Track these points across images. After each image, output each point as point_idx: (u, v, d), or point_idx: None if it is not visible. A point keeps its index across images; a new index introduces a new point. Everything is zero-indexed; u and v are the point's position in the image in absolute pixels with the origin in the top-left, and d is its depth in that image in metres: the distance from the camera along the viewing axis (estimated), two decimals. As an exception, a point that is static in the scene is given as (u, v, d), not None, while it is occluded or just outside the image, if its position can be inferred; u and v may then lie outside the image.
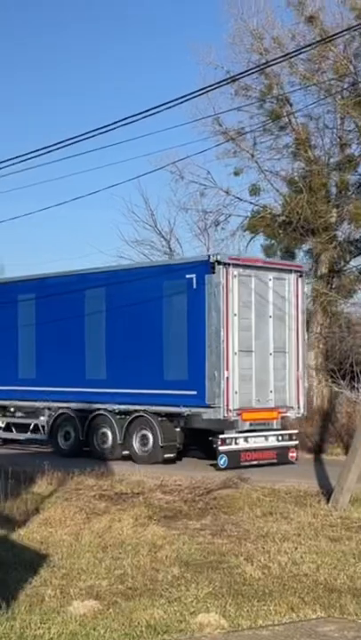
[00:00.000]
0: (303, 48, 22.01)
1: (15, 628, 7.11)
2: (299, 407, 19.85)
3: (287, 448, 19.45)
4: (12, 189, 27.32)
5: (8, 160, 18.46)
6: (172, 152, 26.01)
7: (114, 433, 19.79)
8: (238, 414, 18.63)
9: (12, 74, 64.61)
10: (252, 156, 29.76)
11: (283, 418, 19.65)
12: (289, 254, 30.02)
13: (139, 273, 20.71)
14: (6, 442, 22.40)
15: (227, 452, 18.31)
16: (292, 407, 19.75)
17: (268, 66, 23.63)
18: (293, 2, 28.51)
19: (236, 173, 30.39)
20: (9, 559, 9.89)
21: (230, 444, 18.50)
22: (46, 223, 61.25)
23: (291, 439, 19.52)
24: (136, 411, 19.57)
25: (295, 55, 23.25)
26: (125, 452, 19.82)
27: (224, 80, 19.54)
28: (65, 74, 64.82)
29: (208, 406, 18.36)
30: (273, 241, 30.31)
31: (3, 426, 22.61)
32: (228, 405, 18.32)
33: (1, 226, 57.54)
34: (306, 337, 20.75)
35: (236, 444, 18.57)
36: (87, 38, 64.42)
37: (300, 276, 20.30)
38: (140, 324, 19.58)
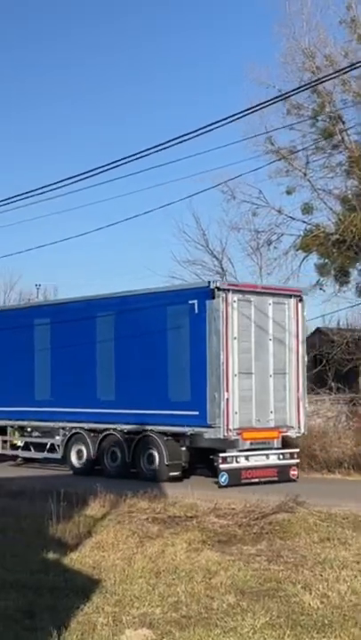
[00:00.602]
0: (356, 65, 21.81)
1: None
2: (299, 427, 20.38)
3: (288, 466, 19.95)
4: (63, 210, 27.55)
5: (59, 182, 18.54)
6: (224, 171, 26.02)
7: (123, 452, 20.51)
8: (239, 434, 19.25)
9: (66, 98, 65.55)
10: (305, 174, 29.62)
11: (284, 437, 19.95)
12: (343, 273, 29.66)
13: (146, 299, 21.16)
14: (27, 460, 23.28)
15: (227, 470, 18.93)
16: (292, 427, 20.22)
17: (321, 82, 23.47)
18: (346, 20, 28.55)
19: (288, 192, 30.33)
20: (60, 584, 9.63)
21: (231, 462, 19.07)
22: (99, 244, 61.80)
23: (292, 457, 20.07)
24: (143, 430, 20.20)
25: (347, 72, 23.14)
26: (133, 470, 20.26)
27: (276, 97, 19.40)
28: (114, 97, 65.63)
29: (209, 426, 18.99)
30: (326, 260, 30.06)
31: (22, 445, 23.46)
32: (228, 425, 18.95)
33: (55, 247, 58.27)
34: (306, 359, 21.01)
35: (236, 462, 19.15)
36: (137, 60, 65.13)
37: (300, 300, 20.83)
38: (147, 347, 20.28)
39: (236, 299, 19.42)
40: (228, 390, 18.93)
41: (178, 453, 19.77)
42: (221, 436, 18.93)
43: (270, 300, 20.26)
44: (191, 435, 19.58)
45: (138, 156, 16.62)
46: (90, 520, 13.84)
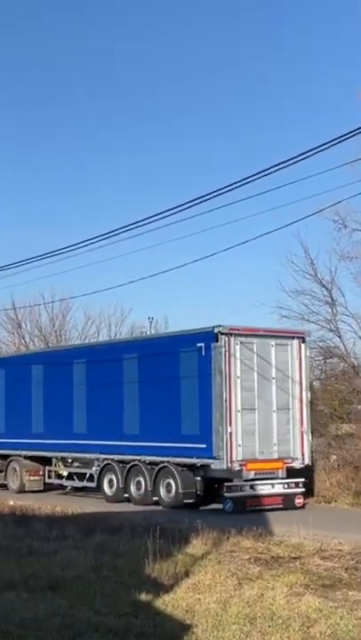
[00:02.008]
0: None
1: None
2: (303, 458, 21.51)
3: (294, 495, 21.00)
4: (169, 241, 27.47)
5: (165, 212, 18.38)
6: (333, 195, 25.13)
7: (145, 481, 22.07)
8: (243, 465, 20.54)
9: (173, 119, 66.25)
10: None
11: (288, 468, 21.07)
12: None
13: (162, 342, 23.74)
14: (75, 490, 24.82)
15: (232, 498, 20.42)
16: (296, 458, 21.38)
17: None
18: None
19: None
20: (149, 630, 8.93)
21: (236, 490, 20.47)
22: (205, 275, 61.78)
23: (297, 487, 21.09)
24: (162, 462, 21.74)
25: None
26: (155, 498, 21.72)
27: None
28: (221, 118, 65.82)
29: (215, 458, 20.36)
30: None
31: (66, 474, 25.25)
32: (231, 457, 20.35)
33: (164, 281, 58.69)
34: (309, 396, 22.13)
35: (241, 490, 20.51)
36: (243, 84, 65.23)
37: (303, 341, 22.06)
38: (164, 385, 21.80)
39: (238, 342, 20.85)
40: (231, 425, 20.36)
41: (192, 482, 21.13)
42: (225, 467, 20.26)
43: (273, 341, 21.59)
44: (201, 465, 20.90)
45: (247, 181, 16.32)
46: (189, 559, 13.20)
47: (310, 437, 22.09)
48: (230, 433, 20.33)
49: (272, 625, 9.28)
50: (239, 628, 9.17)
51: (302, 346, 21.99)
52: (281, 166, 15.31)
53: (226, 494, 20.44)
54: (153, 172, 66.63)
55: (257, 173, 15.86)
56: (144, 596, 10.55)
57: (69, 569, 11.96)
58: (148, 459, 22.16)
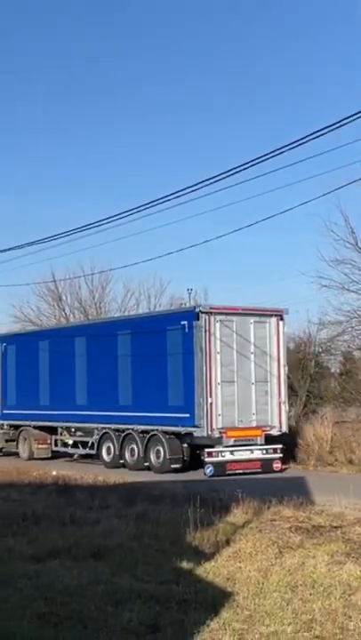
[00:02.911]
0: None
1: None
2: (281, 426, 22.90)
3: (272, 460, 22.44)
4: (206, 211, 27.37)
5: (203, 181, 18.26)
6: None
7: (138, 448, 23.51)
8: (222, 432, 21.96)
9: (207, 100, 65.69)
10: None
11: (267, 435, 22.50)
12: None
13: (152, 320, 25.38)
14: (82, 457, 26.21)
15: (213, 463, 21.82)
16: (274, 426, 22.75)
17: None
18: None
19: None
20: (190, 597, 8.78)
21: (216, 456, 21.90)
22: (245, 245, 61.39)
23: (275, 452, 22.52)
24: (152, 430, 23.10)
25: None
26: (147, 464, 23.17)
27: None
28: (262, 90, 65.06)
29: (197, 426, 21.76)
30: None
31: (71, 443, 26.78)
32: (211, 425, 21.81)
33: (204, 251, 58.41)
34: (286, 369, 23.46)
35: (222, 456, 21.94)
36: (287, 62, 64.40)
37: (281, 319, 23.28)
38: (153, 360, 23.22)
39: (218, 320, 22.22)
40: (211, 396, 21.79)
41: (178, 449, 22.61)
42: (206, 435, 21.73)
43: (251, 319, 22.89)
44: (186, 433, 22.36)
45: (285, 149, 16.10)
46: (230, 527, 12.88)
47: (288, 408, 23.58)
48: (210, 404, 21.77)
49: (313, 593, 9.03)
50: (280, 595, 8.89)
51: (280, 323, 23.20)
52: (317, 135, 15.14)
53: (206, 459, 21.74)
54: (194, 145, 66.27)
55: (294, 142, 15.67)
56: (185, 564, 10.35)
57: (111, 537, 11.88)
58: (140, 428, 23.50)
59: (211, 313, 22.30)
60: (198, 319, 21.98)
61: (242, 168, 15.94)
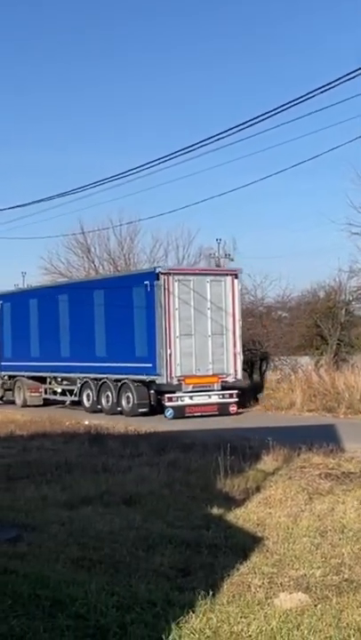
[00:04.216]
0: None
1: (212, 622, 6.06)
2: (236, 374, 24.97)
3: (228, 404, 24.45)
4: (233, 160, 27.07)
5: (231, 129, 18.02)
6: None
7: (112, 395, 25.44)
8: (181, 380, 23.91)
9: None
10: None
11: (223, 382, 24.74)
12: None
13: (120, 280, 28.03)
14: (73, 403, 28.03)
15: (173, 407, 23.76)
16: (230, 374, 24.79)
17: None
18: None
19: None
20: (221, 542, 8.60)
21: (176, 400, 23.84)
22: (272, 195, 60.75)
23: (231, 397, 24.52)
24: (123, 379, 25.05)
25: None
26: (119, 409, 25.07)
27: None
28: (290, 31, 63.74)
29: (158, 374, 23.69)
30: None
31: (60, 391, 28.82)
32: (170, 373, 23.76)
33: (230, 201, 57.88)
34: (240, 323, 25.13)
35: (181, 400, 23.92)
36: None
37: (236, 277, 25.21)
38: (122, 316, 25.21)
39: (177, 280, 24.14)
40: (170, 347, 23.79)
41: (145, 395, 24.56)
42: (165, 382, 23.70)
43: (208, 278, 24.90)
44: (150, 381, 24.17)
45: (309, 96, 15.81)
46: (260, 474, 12.60)
47: (242, 357, 25.37)
48: (170, 354, 23.74)
49: (342, 537, 8.76)
50: (310, 540, 8.63)
51: (235, 282, 24.99)
52: (344, 79, 14.84)
53: (167, 404, 23.67)
54: (218, 91, 65.43)
55: (318, 89, 15.36)
56: (216, 510, 10.07)
57: (143, 485, 11.66)
58: (113, 377, 25.40)
59: (170, 274, 24.23)
60: (158, 279, 23.76)
61: (270, 114, 15.66)
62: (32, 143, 61.31)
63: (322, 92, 13.66)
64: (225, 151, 18.04)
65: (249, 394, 27.01)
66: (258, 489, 11.58)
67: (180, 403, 23.89)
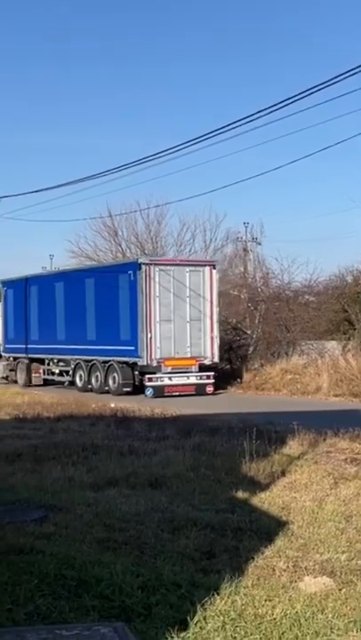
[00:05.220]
0: None
1: (237, 604, 5.99)
2: (213, 357, 26.87)
3: (205, 385, 26.45)
4: (261, 143, 26.91)
5: (258, 112, 17.91)
6: None
7: (101, 375, 27.24)
8: (161, 362, 25.72)
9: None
10: None
11: (201, 364, 26.48)
12: None
13: (108, 269, 29.39)
14: (70, 383, 29.66)
15: (153, 387, 25.68)
16: (207, 357, 26.70)
17: None
18: None
19: None
20: (246, 525, 8.41)
21: (156, 381, 25.76)
22: (301, 178, 60.37)
23: (208, 379, 26.49)
24: (110, 360, 26.78)
25: None
26: (106, 388, 26.75)
27: None
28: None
29: (140, 357, 25.54)
30: None
31: (57, 372, 30.50)
32: (150, 356, 25.65)
33: (260, 183, 57.62)
34: (217, 309, 26.95)
35: (160, 381, 25.82)
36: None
37: (213, 268, 27.34)
38: (109, 302, 27.06)
39: (158, 269, 25.98)
40: (150, 331, 25.71)
41: (130, 376, 26.25)
42: (146, 364, 25.43)
43: (187, 268, 26.75)
44: (133, 363, 25.78)
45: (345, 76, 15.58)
46: (285, 459, 12.29)
47: (218, 342, 26.96)
48: (150, 338, 25.57)
49: None
50: (335, 524, 8.32)
51: (213, 272, 26.95)
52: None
53: (147, 383, 25.35)
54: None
55: (348, 71, 15.17)
56: (241, 494, 9.73)
57: (169, 467, 11.23)
58: (101, 359, 26.99)
59: (151, 264, 26.11)
60: (140, 269, 25.49)
61: (298, 97, 15.55)
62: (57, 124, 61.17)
63: (352, 75, 13.48)
64: (253, 134, 17.87)
65: (229, 376, 29.03)
66: (283, 473, 11.36)
67: (159, 383, 25.77)
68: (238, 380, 28.49)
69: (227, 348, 30.07)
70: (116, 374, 26.72)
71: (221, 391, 27.21)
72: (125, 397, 24.71)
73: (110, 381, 26.96)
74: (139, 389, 25.81)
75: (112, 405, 20.86)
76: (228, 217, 51.56)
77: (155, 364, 25.66)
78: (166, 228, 41.27)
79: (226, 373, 28.95)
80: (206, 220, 40.87)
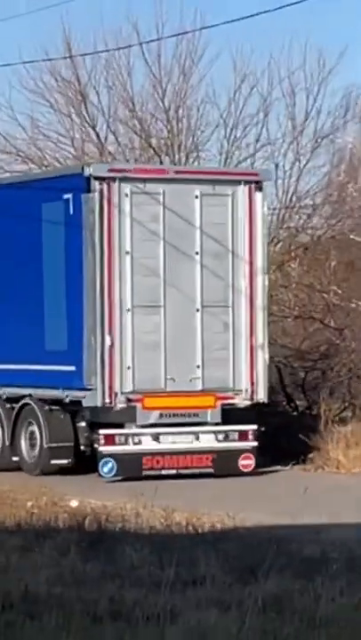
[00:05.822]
0: None
1: None
2: (255, 391, 12.15)
3: (237, 452, 12.24)
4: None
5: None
6: None
7: (4, 430, 12.99)
8: (136, 400, 11.84)
9: None
10: None
11: (226, 406, 12.19)
12: None
13: (20, 191, 13.38)
14: None
15: (115, 456, 11.94)
16: (240, 390, 12.12)
17: None
18: None
19: None
20: None
21: (123, 442, 12.07)
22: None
23: (244, 439, 12.30)
24: (23, 397, 12.51)
25: None
26: (14, 459, 12.83)
27: None
28: None
29: (87, 388, 11.70)
30: None
31: None
32: (111, 386, 11.81)
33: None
34: (267, 282, 12.33)
35: (134, 443, 12.11)
36: None
37: (259, 188, 12.29)
38: (22, 267, 12.63)
39: (129, 190, 11.57)
40: (111, 332, 11.66)
41: (66, 431, 12.31)
42: (99, 403, 11.71)
43: (197, 189, 11.99)
44: (72, 401, 11.97)
45: None
46: None
47: (267, 356, 12.38)
48: (111, 346, 11.74)
49: None
50: None
51: (256, 197, 12.27)
52: None
53: (102, 448, 11.77)
54: None
55: None
56: None
57: None
58: (5, 391, 12.96)
59: (115, 179, 11.68)
60: (90, 190, 11.57)
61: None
62: None
63: None
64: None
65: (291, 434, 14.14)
66: None
67: (130, 447, 12.21)
68: (317, 443, 13.57)
69: (291, 370, 15.48)
70: (35, 427, 12.65)
71: (278, 467, 13.27)
72: (60, 478, 12.42)
73: (22, 444, 12.83)
74: (87, 461, 12.43)
75: (73, 504, 11.30)
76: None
77: (121, 404, 12.00)
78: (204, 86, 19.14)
79: (285, 428, 14.32)
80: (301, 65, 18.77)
